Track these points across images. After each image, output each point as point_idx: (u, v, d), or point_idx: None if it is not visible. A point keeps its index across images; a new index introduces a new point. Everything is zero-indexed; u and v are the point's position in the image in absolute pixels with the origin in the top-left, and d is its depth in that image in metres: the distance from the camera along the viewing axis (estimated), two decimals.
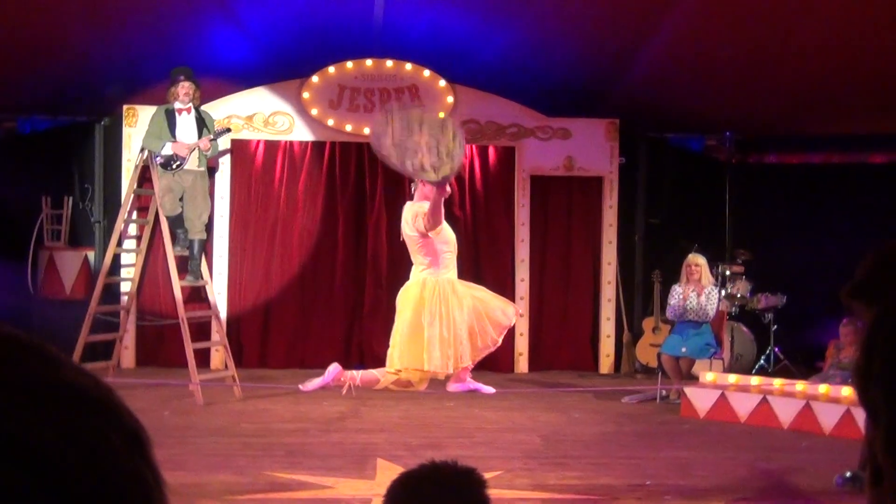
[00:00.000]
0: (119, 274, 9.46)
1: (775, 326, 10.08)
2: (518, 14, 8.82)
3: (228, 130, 9.39)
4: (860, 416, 6.75)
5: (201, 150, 8.90)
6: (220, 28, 9.13)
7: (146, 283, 9.73)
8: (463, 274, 6.24)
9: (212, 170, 9.55)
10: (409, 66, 9.92)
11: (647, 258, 10.60)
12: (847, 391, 7.48)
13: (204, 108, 9.18)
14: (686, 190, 10.79)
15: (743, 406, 7.85)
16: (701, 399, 8.06)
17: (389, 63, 9.91)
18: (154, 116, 8.98)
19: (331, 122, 9.92)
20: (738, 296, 10.01)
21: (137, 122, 9.57)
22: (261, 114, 9.90)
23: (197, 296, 9.50)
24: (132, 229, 9.56)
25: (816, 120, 10.52)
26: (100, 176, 10.05)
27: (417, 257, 6.02)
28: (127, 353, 9.67)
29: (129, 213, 9.35)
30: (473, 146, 10.24)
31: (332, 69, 9.88)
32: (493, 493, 2.06)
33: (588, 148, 10.20)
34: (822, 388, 7.80)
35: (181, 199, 8.94)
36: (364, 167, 10.15)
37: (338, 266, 10.11)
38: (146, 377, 9.19)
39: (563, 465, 6.26)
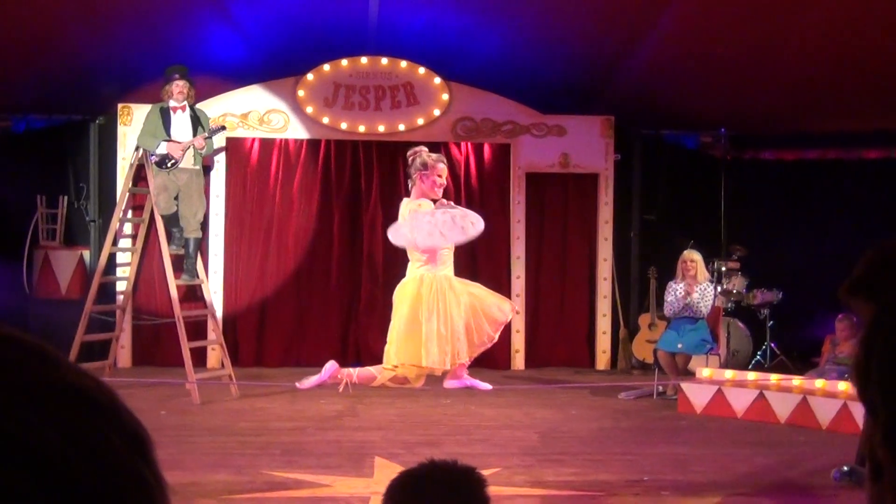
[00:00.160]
0: (115, 273, 9.45)
1: (771, 322, 10.10)
2: (513, 11, 8.82)
3: (223, 129, 9.38)
4: (857, 410, 6.78)
5: (196, 149, 8.89)
6: (214, 26, 9.12)
7: (142, 282, 9.72)
8: (459, 271, 6.23)
9: (207, 168, 9.54)
10: (404, 63, 9.92)
11: (643, 255, 10.61)
12: (844, 386, 7.50)
13: (199, 106, 9.17)
14: (681, 186, 10.80)
15: (739, 401, 7.87)
16: (697, 395, 8.08)
17: (384, 61, 9.90)
18: (149, 115, 8.97)
19: (326, 120, 9.91)
20: (734, 292, 10.03)
21: (132, 121, 9.55)
22: (256, 112, 9.89)
23: (193, 294, 9.49)
24: (127, 228, 9.55)
25: (811, 116, 10.53)
26: (95, 175, 10.03)
27: (414, 254, 6.01)
28: (123, 352, 9.66)
29: (125, 212, 9.34)
30: (469, 143, 10.25)
31: (327, 67, 9.88)
32: (490, 490, 2.06)
33: (583, 145, 10.21)
34: (819, 383, 7.82)
35: (176, 198, 8.94)
36: (359, 165, 10.15)
37: (333, 264, 10.11)
38: (142, 376, 9.18)
39: (560, 461, 6.27)
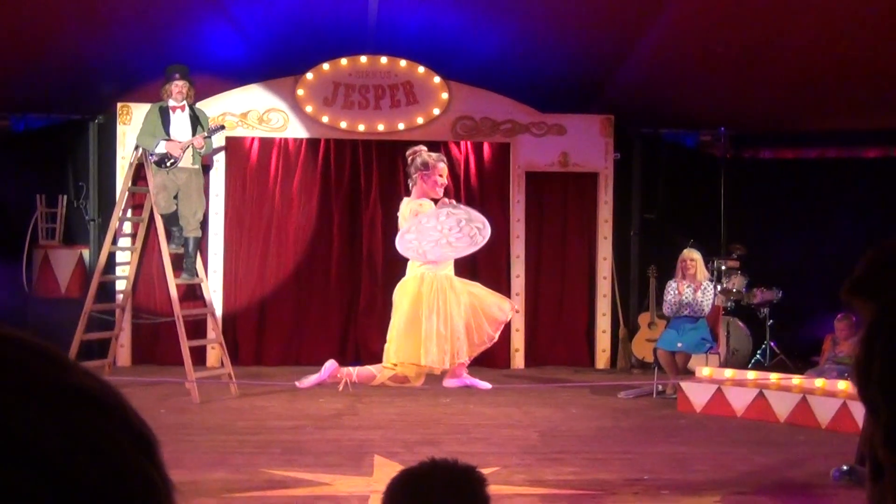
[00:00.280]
0: (114, 272, 9.45)
1: (771, 321, 10.10)
2: (512, 10, 8.82)
3: (223, 128, 9.38)
4: (856, 409, 6.78)
5: (195, 148, 8.89)
6: (214, 25, 9.12)
7: (141, 281, 9.72)
8: (458, 270, 6.23)
9: (206, 167, 9.54)
10: (403, 62, 9.92)
11: (643, 254, 10.61)
12: (843, 385, 7.50)
13: (198, 105, 9.18)
14: (681, 185, 10.80)
15: (739, 400, 7.87)
16: (697, 394, 8.08)
17: (384, 60, 9.90)
18: (148, 114, 8.97)
19: (325, 119, 9.91)
20: (734, 291, 10.03)
21: (132, 120, 9.55)
22: (255, 111, 9.89)
23: (192, 293, 9.49)
24: (127, 227, 9.55)
25: (811, 115, 10.53)
26: (94, 174, 10.03)
27: None
28: (122, 351, 9.66)
29: (124, 211, 9.34)
30: (468, 142, 10.25)
31: (326, 66, 9.87)
32: (490, 489, 2.06)
33: (583, 144, 10.21)
34: (819, 382, 7.82)
35: (176, 197, 8.94)
36: (359, 164, 10.15)
37: (333, 263, 10.11)
38: (142, 375, 9.18)
39: (559, 460, 6.27)
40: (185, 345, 8.35)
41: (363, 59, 9.89)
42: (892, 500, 1.10)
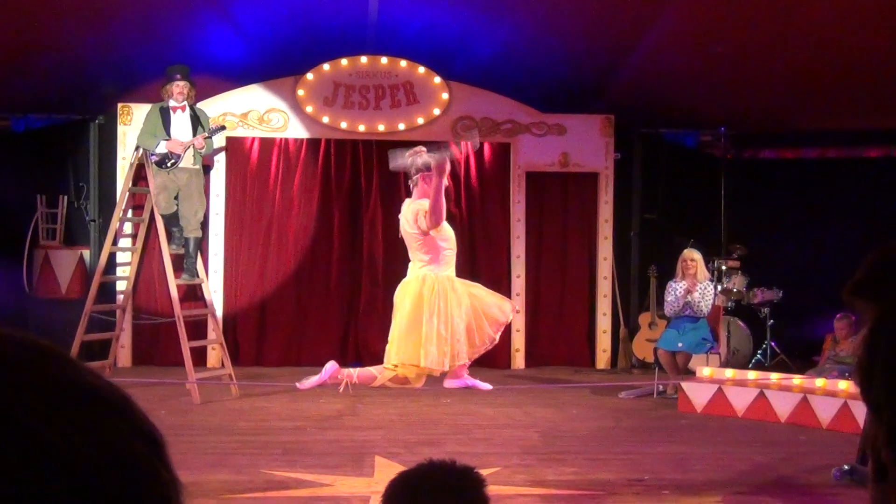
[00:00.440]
0: (115, 272, 9.44)
1: (771, 321, 10.10)
2: (513, 10, 8.81)
3: (223, 128, 9.38)
4: (857, 409, 6.77)
5: (196, 148, 8.89)
6: (214, 25, 9.11)
7: (142, 282, 9.72)
8: (459, 271, 6.23)
9: (207, 167, 9.53)
10: (403, 62, 9.91)
11: (643, 254, 10.61)
12: (844, 385, 7.50)
13: (199, 105, 9.17)
14: (681, 185, 10.80)
15: (740, 400, 7.86)
16: (698, 394, 8.07)
17: (384, 60, 9.90)
18: (149, 114, 8.97)
19: (326, 120, 9.91)
20: (735, 291, 10.03)
21: (132, 120, 9.55)
22: (255, 111, 9.88)
23: (193, 294, 9.49)
24: (127, 228, 9.55)
25: (811, 115, 10.53)
26: (95, 174, 10.03)
27: (417, 254, 6.00)
28: (123, 351, 9.66)
29: (125, 212, 9.34)
30: (469, 143, 10.21)
31: (326, 66, 9.87)
32: (490, 489, 2.06)
33: (583, 144, 10.20)
34: (819, 382, 7.82)
35: (176, 198, 8.94)
36: (359, 164, 10.15)
37: (333, 263, 10.10)
38: (143, 376, 9.17)
39: (560, 460, 6.26)
40: (185, 345, 8.35)
41: (363, 59, 9.89)
42: None
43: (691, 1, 8.14)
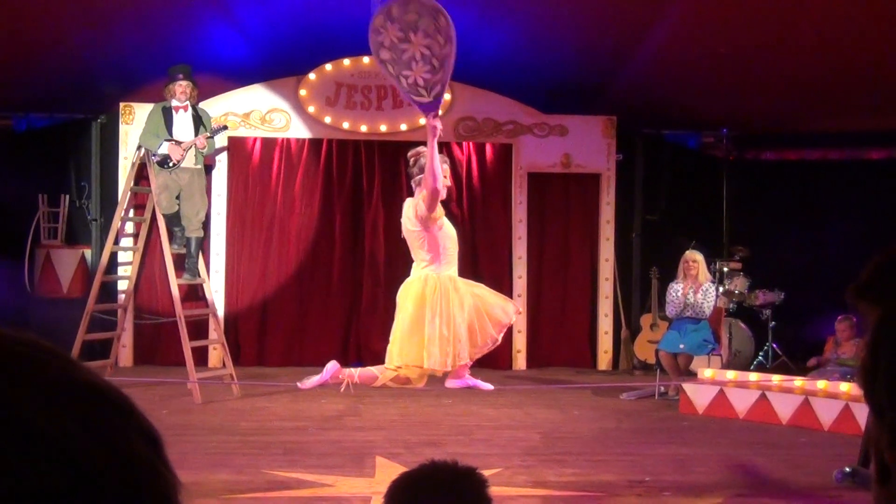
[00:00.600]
0: (116, 272, 9.45)
1: (773, 323, 10.09)
2: (515, 11, 8.81)
3: (225, 128, 9.38)
4: (859, 411, 6.76)
5: (198, 148, 8.89)
6: (216, 25, 9.12)
7: (143, 282, 9.72)
8: (461, 271, 6.22)
9: (209, 167, 9.53)
10: None
11: (645, 255, 10.60)
12: (845, 387, 7.49)
13: (201, 105, 9.18)
14: (683, 187, 10.79)
15: (741, 402, 7.86)
16: (699, 395, 8.07)
17: None
18: (151, 114, 8.97)
19: (328, 120, 9.91)
20: (736, 292, 10.02)
21: (134, 120, 9.55)
22: (258, 111, 9.88)
23: (194, 294, 9.49)
24: (129, 227, 9.55)
25: (814, 116, 10.52)
26: (96, 174, 10.03)
27: (419, 253, 5.99)
28: (124, 351, 9.66)
29: (126, 211, 9.34)
30: (470, 143, 10.24)
31: (328, 66, 9.87)
32: (491, 490, 2.06)
33: (585, 145, 10.20)
34: (821, 384, 7.81)
35: (178, 197, 8.94)
36: (361, 165, 10.15)
37: (335, 263, 10.11)
38: (144, 376, 9.18)
39: (561, 461, 6.26)
40: (186, 345, 8.35)
41: (366, 59, 9.88)
42: None
43: (694, 2, 8.14)
